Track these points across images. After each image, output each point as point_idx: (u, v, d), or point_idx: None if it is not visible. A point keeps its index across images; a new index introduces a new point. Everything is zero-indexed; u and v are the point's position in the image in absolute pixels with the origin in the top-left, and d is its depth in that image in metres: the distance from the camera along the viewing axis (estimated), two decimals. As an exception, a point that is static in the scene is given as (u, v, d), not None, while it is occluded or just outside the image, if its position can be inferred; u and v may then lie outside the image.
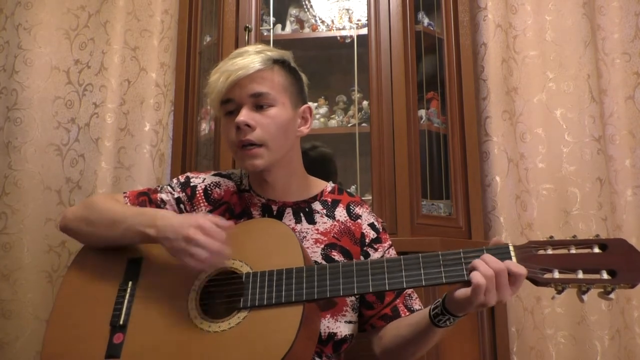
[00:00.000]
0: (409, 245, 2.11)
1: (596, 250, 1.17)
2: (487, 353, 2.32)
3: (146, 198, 1.53)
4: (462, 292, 1.19)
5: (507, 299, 1.17)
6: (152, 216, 1.34)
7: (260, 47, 1.47)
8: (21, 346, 2.28)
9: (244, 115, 1.39)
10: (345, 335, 1.42)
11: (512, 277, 1.16)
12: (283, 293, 1.24)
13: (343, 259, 1.46)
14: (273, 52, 1.47)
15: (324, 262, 1.43)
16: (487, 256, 1.18)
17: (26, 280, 2.32)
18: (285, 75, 1.46)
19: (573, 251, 1.18)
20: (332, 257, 1.45)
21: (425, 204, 2.38)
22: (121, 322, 1.32)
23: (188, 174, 1.61)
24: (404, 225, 2.23)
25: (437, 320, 1.27)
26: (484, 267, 1.16)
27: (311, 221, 1.50)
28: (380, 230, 1.55)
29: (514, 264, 1.17)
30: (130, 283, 1.38)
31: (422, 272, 1.22)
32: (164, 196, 1.54)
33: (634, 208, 2.45)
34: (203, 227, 1.24)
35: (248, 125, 1.39)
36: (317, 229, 1.49)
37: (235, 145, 1.43)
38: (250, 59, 1.41)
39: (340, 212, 1.53)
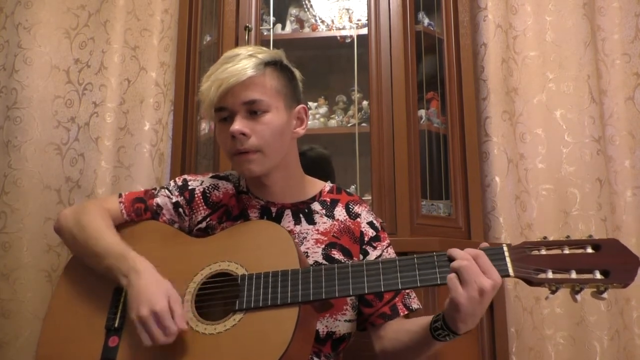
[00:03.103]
0: (408, 245, 2.11)
1: (589, 250, 1.18)
2: (487, 353, 2.32)
3: (142, 205, 1.52)
4: (447, 299, 1.19)
5: (486, 285, 1.14)
6: (129, 267, 1.32)
7: (251, 49, 1.45)
8: (21, 346, 2.28)
9: (238, 124, 1.38)
10: (344, 334, 1.42)
11: (480, 262, 1.18)
12: (279, 295, 1.24)
13: (343, 257, 1.46)
14: (264, 54, 1.44)
15: (325, 262, 1.43)
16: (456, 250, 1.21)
17: (25, 279, 2.31)
18: (277, 77, 1.44)
19: (567, 251, 1.19)
20: (333, 256, 1.45)
21: (425, 204, 2.38)
22: (116, 325, 1.33)
23: (185, 176, 1.60)
24: (404, 226, 2.23)
25: (436, 334, 1.26)
26: (461, 254, 1.19)
27: (311, 222, 1.50)
28: (379, 229, 1.55)
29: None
30: None
31: (417, 272, 1.23)
32: (159, 201, 1.53)
33: (633, 209, 2.45)
34: (160, 316, 1.23)
35: (243, 134, 1.38)
36: (317, 229, 1.49)
37: (232, 153, 1.42)
38: (241, 65, 1.38)
39: (340, 212, 1.53)
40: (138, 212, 1.52)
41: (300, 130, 1.51)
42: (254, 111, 1.40)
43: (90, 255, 1.40)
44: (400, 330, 1.42)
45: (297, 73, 1.53)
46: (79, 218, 1.47)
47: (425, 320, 1.33)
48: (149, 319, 1.22)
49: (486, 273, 1.16)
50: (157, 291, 1.26)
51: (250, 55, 1.41)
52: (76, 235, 1.44)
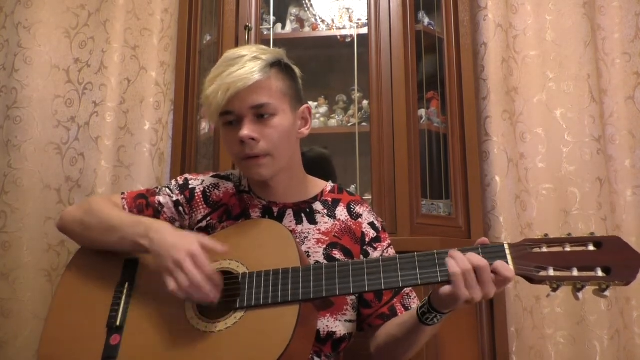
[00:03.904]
0: (408, 245, 2.10)
1: (591, 247, 1.17)
2: (487, 353, 2.32)
3: (144, 201, 1.53)
4: (447, 288, 1.19)
5: (491, 294, 1.17)
6: (147, 227, 1.33)
7: (254, 50, 1.43)
8: (20, 345, 2.28)
9: (247, 129, 1.37)
10: (344, 334, 1.42)
11: (500, 276, 1.17)
12: (279, 293, 1.24)
13: (344, 257, 1.46)
14: (268, 55, 1.43)
15: (325, 262, 1.42)
16: (457, 252, 1.21)
17: (25, 279, 2.31)
18: (282, 78, 1.44)
19: (568, 249, 1.19)
20: (334, 256, 1.45)
21: (425, 203, 2.38)
22: (118, 324, 1.33)
23: (186, 175, 1.60)
24: (404, 225, 2.23)
25: (424, 318, 1.29)
26: (460, 257, 1.18)
27: (312, 221, 1.50)
28: (380, 230, 1.55)
29: (502, 265, 1.18)
30: (126, 284, 1.38)
31: (417, 270, 1.23)
32: (161, 199, 1.53)
33: (633, 208, 2.45)
34: (195, 255, 1.23)
35: (252, 139, 1.37)
36: (319, 229, 1.49)
37: (240, 158, 1.42)
38: (247, 68, 1.37)
39: (341, 212, 1.53)
40: (140, 208, 1.52)
41: (305, 131, 1.51)
42: (261, 115, 1.39)
43: (103, 232, 1.41)
44: (391, 325, 1.44)
45: (297, 71, 1.52)
46: (87, 207, 1.48)
47: (411, 310, 1.37)
48: (186, 261, 1.22)
49: (497, 284, 1.18)
50: (186, 238, 1.28)
51: (255, 57, 1.40)
52: (86, 221, 1.45)
